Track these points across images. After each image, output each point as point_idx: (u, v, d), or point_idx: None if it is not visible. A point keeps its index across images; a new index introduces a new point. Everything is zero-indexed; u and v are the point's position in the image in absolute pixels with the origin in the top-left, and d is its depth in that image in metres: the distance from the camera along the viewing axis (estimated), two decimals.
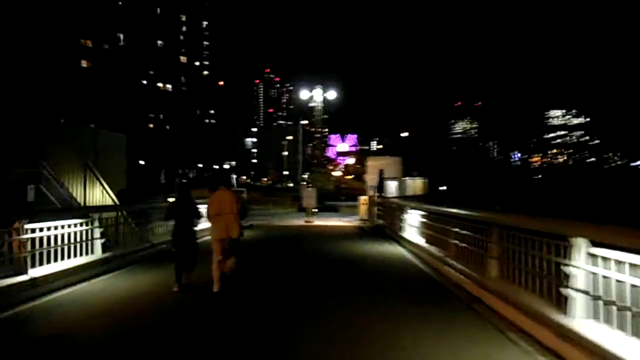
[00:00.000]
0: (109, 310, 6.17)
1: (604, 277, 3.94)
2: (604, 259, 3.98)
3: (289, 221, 22.13)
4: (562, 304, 4.45)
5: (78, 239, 8.00)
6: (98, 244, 8.57)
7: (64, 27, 66.02)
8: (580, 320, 4.12)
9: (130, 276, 8.49)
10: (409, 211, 12.50)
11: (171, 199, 20.00)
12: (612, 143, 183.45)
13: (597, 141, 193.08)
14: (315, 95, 39.60)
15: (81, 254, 8.08)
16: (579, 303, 4.16)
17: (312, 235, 16.18)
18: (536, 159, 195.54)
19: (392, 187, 22.11)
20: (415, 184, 22.57)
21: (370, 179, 23.03)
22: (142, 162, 73.84)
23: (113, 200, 11.21)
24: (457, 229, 8.28)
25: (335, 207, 32.74)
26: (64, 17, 67.74)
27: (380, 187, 19.53)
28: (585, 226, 4.22)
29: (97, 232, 8.55)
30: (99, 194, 10.54)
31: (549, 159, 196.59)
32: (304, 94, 39.83)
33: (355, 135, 55.86)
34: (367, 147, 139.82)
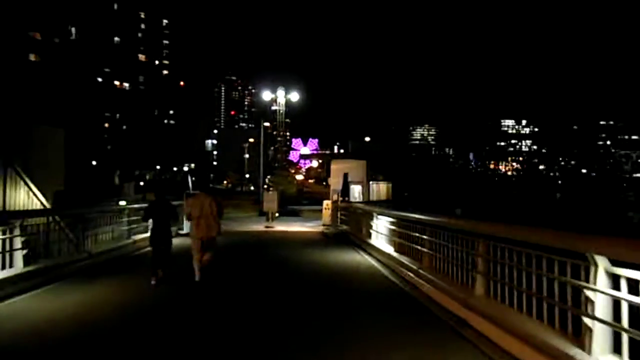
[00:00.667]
0: (16, 343, 4.97)
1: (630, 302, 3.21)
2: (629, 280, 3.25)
3: (249, 226, 20.98)
4: (571, 332, 3.70)
5: None
6: (19, 255, 7.25)
7: (10, 18, 61.96)
8: (602, 358, 3.35)
9: (57, 295, 7.21)
10: (378, 217, 11.73)
11: (122, 202, 18.48)
12: (559, 151, 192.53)
13: (544, 150, 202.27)
14: (278, 97, 38.73)
15: None
16: (599, 335, 3.40)
17: (273, 242, 15.16)
18: (491, 165, 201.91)
19: (356, 191, 21.41)
20: (380, 189, 21.97)
21: (334, 182, 22.25)
22: (94, 163, 70.22)
23: (42, 204, 9.82)
24: (431, 238, 7.54)
25: (297, 211, 31.85)
26: (10, 7, 63.60)
27: (345, 191, 18.78)
28: (607, 241, 3.47)
29: (17, 242, 7.23)
30: (23, 197, 9.16)
31: (504, 166, 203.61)
32: (266, 95, 38.74)
33: (317, 140, 55.32)
34: (328, 152, 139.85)
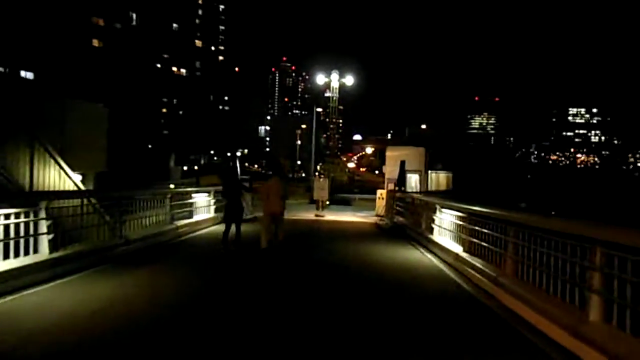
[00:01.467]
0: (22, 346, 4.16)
1: None
2: None
3: (298, 214, 20.06)
4: None
5: (12, 235, 6.02)
6: (45, 240, 6.58)
7: (75, 5, 64.36)
8: None
9: (83, 285, 6.49)
10: (442, 210, 10.31)
11: (172, 186, 18.07)
12: (632, 144, 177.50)
13: (616, 141, 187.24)
14: (332, 80, 37.41)
15: (16, 255, 6.10)
16: None
17: (323, 233, 14.09)
18: (554, 157, 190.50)
19: (413, 180, 19.92)
20: (439, 179, 20.31)
21: (389, 171, 20.83)
22: (150, 146, 72.32)
23: (76, 185, 9.25)
24: (517, 240, 6.13)
25: (348, 200, 30.68)
26: None
27: (401, 181, 17.36)
28: None
29: (43, 226, 6.55)
30: (53, 176, 8.57)
31: (568, 158, 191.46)
32: (319, 79, 37.58)
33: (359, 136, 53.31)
34: (381, 138, 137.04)
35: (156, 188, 13.61)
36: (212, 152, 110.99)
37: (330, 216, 19.51)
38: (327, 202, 20.87)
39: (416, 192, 17.54)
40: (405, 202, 15.01)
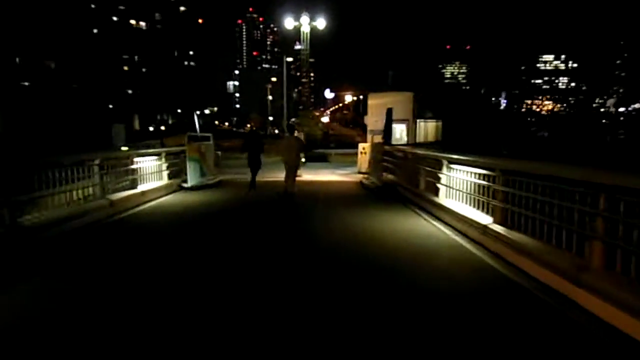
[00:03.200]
0: None
1: None
2: None
3: (271, 175, 17.65)
4: None
5: None
6: None
7: None
8: None
9: None
10: (453, 167, 8.08)
11: (126, 148, 15.27)
12: (599, 89, 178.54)
13: (584, 88, 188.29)
14: (302, 25, 34.09)
15: None
16: None
17: (301, 197, 11.78)
18: (525, 105, 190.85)
19: (398, 131, 17.62)
20: (428, 128, 18.07)
21: (372, 122, 18.44)
22: (110, 107, 67.64)
23: None
24: (606, 213, 3.95)
25: (324, 155, 28.37)
26: None
27: (389, 132, 15.03)
28: None
29: None
30: None
31: (538, 106, 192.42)
32: (289, 23, 34.07)
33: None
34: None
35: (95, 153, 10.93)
36: (179, 110, 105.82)
37: (308, 175, 17.16)
38: (303, 160, 18.45)
39: (405, 145, 15.31)
40: (395, 157, 12.75)
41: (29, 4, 58.83)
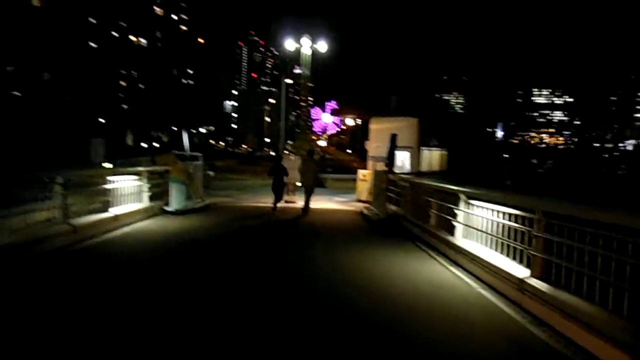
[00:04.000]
0: None
1: None
2: None
3: (264, 199, 16.50)
4: None
5: None
6: None
7: None
8: None
9: None
10: (473, 203, 6.97)
11: (109, 166, 14.09)
12: (593, 124, 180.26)
13: (578, 122, 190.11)
14: (303, 46, 33.49)
15: None
16: None
17: (294, 229, 10.58)
18: (518, 137, 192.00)
19: (399, 159, 16.55)
20: (432, 157, 17.07)
21: (374, 147, 17.41)
22: (103, 121, 66.52)
23: None
24: None
25: (321, 180, 27.25)
26: None
27: (392, 159, 13.98)
28: None
29: None
30: None
31: (534, 138, 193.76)
32: (289, 44, 33.41)
33: (334, 102, 49.55)
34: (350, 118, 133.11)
35: (69, 171, 9.72)
36: (174, 128, 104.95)
37: (303, 202, 15.99)
38: (299, 184, 17.30)
39: (409, 173, 14.23)
40: (400, 186, 11.65)
41: (27, 14, 58.32)
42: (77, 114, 55.58)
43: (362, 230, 10.42)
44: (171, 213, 11.11)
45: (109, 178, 9.00)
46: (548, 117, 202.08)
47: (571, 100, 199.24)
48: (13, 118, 43.13)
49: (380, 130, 17.22)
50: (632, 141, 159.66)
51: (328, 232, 9.90)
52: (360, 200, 16.81)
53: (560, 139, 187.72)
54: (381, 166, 14.72)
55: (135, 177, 10.41)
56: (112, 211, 8.91)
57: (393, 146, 13.91)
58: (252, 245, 8.29)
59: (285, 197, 15.98)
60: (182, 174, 11.66)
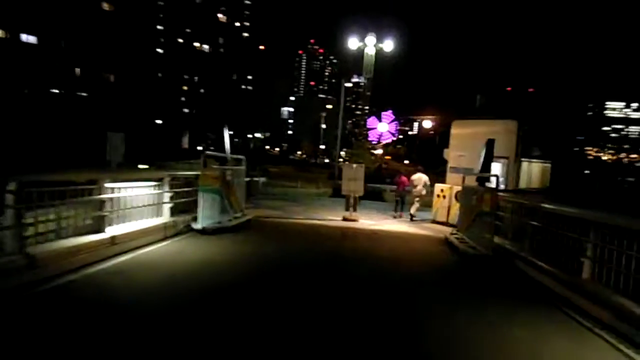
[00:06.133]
0: None
1: None
2: None
3: (318, 213, 13.68)
4: None
5: None
6: None
7: None
8: None
9: None
10: None
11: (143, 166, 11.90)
12: None
13: None
14: (367, 46, 30.59)
15: None
16: None
17: (358, 267, 7.50)
18: (591, 151, 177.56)
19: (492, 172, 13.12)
20: (532, 170, 13.53)
21: (454, 157, 14.12)
22: (160, 122, 66.83)
23: None
24: None
25: (379, 191, 24.20)
26: None
27: (488, 171, 10.67)
28: None
29: None
30: None
31: (609, 153, 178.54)
32: (352, 43, 30.72)
33: (390, 111, 46.34)
34: (407, 128, 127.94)
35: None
36: (231, 132, 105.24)
37: (366, 220, 13.00)
38: (360, 194, 14.32)
39: (506, 191, 10.85)
40: (514, 211, 8.37)
41: (96, 17, 59.74)
42: (136, 115, 55.89)
43: (461, 275, 7.22)
44: (199, 232, 8.48)
45: (108, 185, 6.45)
46: (622, 132, 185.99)
47: None
48: (77, 118, 43.60)
49: (464, 135, 13.90)
50: None
51: (412, 278, 6.79)
52: (436, 222, 13.57)
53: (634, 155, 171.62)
54: (469, 180, 11.44)
55: (152, 183, 7.86)
56: (110, 231, 6.36)
57: (490, 155, 10.60)
58: (301, 291, 5.41)
59: (345, 214, 13.08)
60: (215, 182, 9.04)
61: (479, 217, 8.68)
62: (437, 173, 23.79)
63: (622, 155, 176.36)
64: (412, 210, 13.92)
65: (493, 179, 10.99)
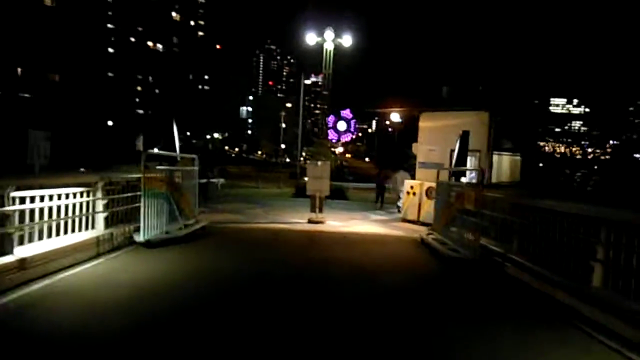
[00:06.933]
0: None
1: None
2: None
3: (281, 215, 12.59)
4: None
5: None
6: None
7: None
8: None
9: None
10: None
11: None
12: (610, 134, 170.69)
13: (595, 132, 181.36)
14: (326, 41, 29.67)
15: None
16: None
17: (327, 279, 6.47)
18: (546, 145, 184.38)
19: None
20: (502, 164, 12.93)
21: (424, 151, 13.36)
22: (110, 123, 63.55)
23: None
24: None
25: (342, 190, 23.35)
26: None
27: (464, 165, 9.92)
28: None
29: None
30: None
31: (551, 148, 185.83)
32: (310, 39, 29.63)
33: (349, 110, 46.25)
34: (366, 126, 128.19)
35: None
36: (188, 133, 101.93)
37: (333, 221, 12.02)
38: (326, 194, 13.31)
39: (473, 185, 10.15)
40: (500, 210, 7.58)
41: (37, 15, 55.82)
42: (84, 116, 52.62)
43: (450, 287, 6.29)
44: (142, 245, 7.21)
45: (16, 194, 5.10)
46: (565, 127, 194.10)
47: (587, 110, 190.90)
48: (17, 120, 40.27)
49: (434, 128, 13.14)
50: None
51: (395, 296, 5.80)
52: (406, 220, 12.77)
53: (576, 149, 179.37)
54: (442, 176, 10.67)
55: (86, 189, 6.53)
56: (20, 252, 5.03)
57: (465, 148, 9.84)
58: (265, 316, 4.32)
59: (310, 216, 12.05)
60: (161, 185, 7.78)
61: (461, 216, 7.85)
62: (400, 168, 23.35)
63: (575, 149, 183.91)
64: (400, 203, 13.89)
65: (474, 174, 10.28)
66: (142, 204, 7.17)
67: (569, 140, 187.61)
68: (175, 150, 10.17)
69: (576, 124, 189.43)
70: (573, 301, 4.92)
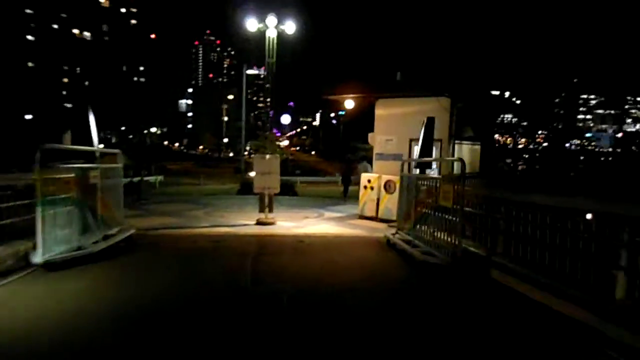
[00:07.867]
0: None
1: None
2: None
3: (226, 217, 11.13)
4: None
5: None
6: None
7: None
8: None
9: None
10: None
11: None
12: (540, 125, 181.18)
13: (525, 123, 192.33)
14: (268, 28, 27.98)
15: None
16: None
17: (284, 308, 5.17)
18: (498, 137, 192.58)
19: (414, 155, 11.62)
20: (463, 154, 12.20)
21: (381, 141, 12.35)
22: (30, 117, 58.21)
23: None
24: None
25: (290, 184, 22.19)
26: None
27: (429, 155, 8.96)
28: None
29: None
30: None
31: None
32: (251, 25, 27.83)
33: (292, 103, 45.87)
34: (310, 119, 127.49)
35: None
36: (123, 128, 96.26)
37: (285, 221, 10.74)
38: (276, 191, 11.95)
39: (435, 177, 9.26)
40: (483, 207, 6.62)
41: None
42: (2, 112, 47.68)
43: (429, 300, 5.21)
44: (42, 267, 5.55)
45: None
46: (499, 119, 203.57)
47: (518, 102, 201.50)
48: None
49: (391, 116, 12.15)
50: (576, 141, 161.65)
51: (363, 315, 4.65)
52: (364, 217, 11.73)
53: (509, 139, 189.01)
54: (394, 166, 9.67)
55: None
56: None
57: (430, 136, 8.88)
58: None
59: (259, 217, 10.66)
60: (69, 188, 6.13)
61: (434, 213, 6.82)
62: (345, 161, 22.58)
63: (509, 139, 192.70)
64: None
65: (457, 164, 9.46)
66: (37, 214, 5.50)
67: (502, 130, 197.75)
68: (91, 144, 8.45)
69: (508, 116, 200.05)
70: (587, 316, 3.96)
